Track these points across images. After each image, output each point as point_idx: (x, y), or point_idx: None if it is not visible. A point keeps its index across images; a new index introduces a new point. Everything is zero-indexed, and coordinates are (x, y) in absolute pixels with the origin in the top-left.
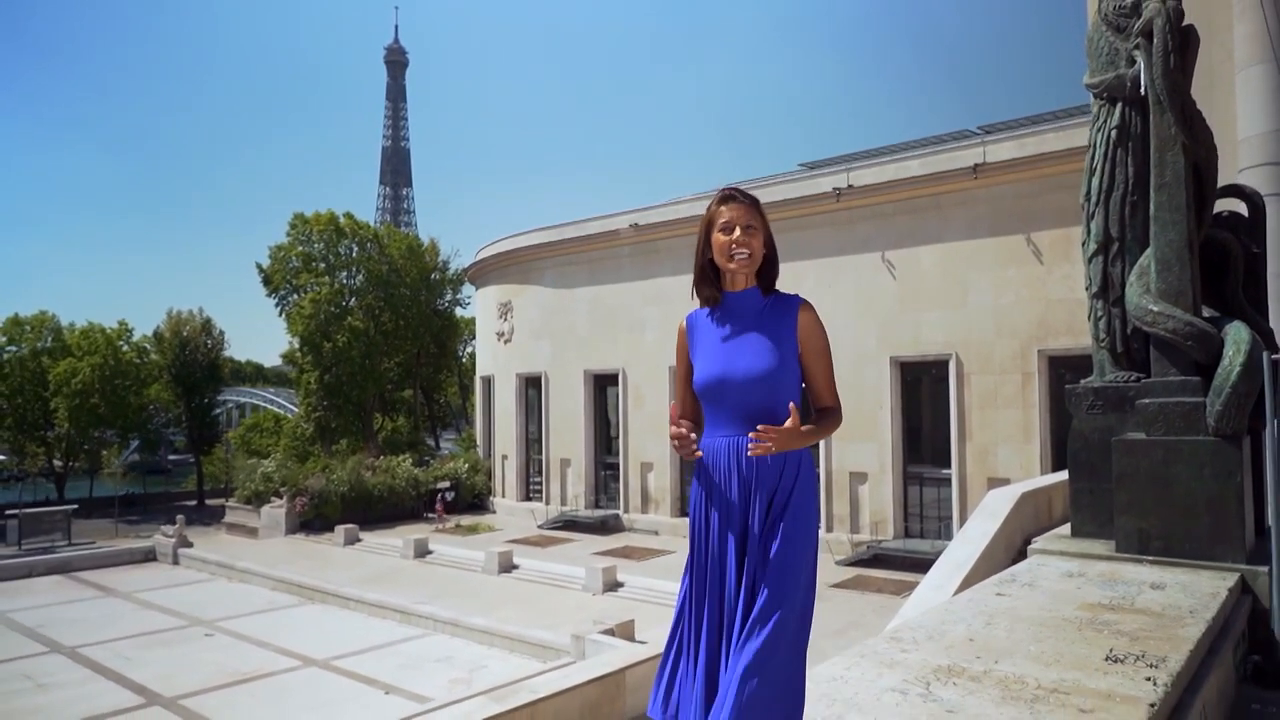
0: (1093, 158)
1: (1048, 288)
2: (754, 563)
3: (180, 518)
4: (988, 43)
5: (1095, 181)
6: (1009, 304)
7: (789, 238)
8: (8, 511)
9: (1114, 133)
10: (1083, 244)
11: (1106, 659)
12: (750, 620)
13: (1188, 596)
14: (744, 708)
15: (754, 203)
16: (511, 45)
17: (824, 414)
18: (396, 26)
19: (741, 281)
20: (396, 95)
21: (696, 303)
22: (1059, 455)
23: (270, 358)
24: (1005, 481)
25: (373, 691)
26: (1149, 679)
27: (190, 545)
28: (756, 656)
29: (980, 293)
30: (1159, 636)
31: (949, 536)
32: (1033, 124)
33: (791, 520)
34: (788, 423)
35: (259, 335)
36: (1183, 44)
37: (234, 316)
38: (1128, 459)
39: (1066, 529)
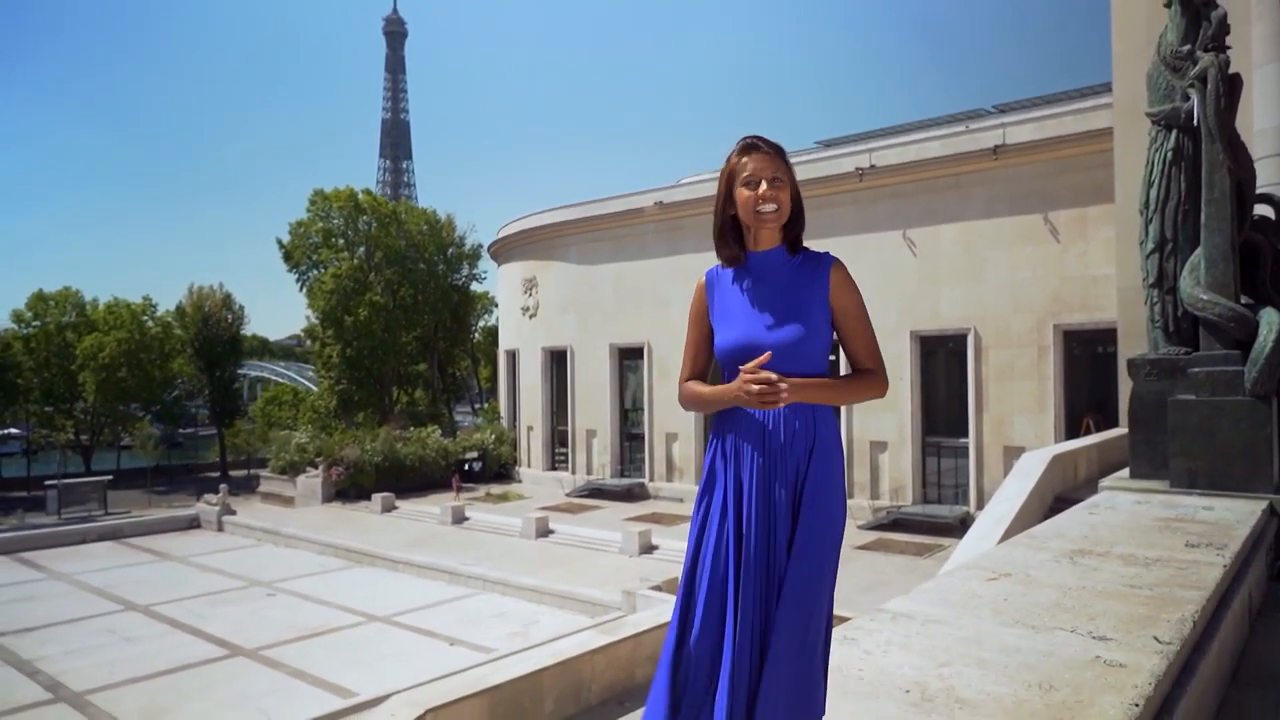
0: (1151, 173)
1: (1063, 265)
2: (784, 541)
3: (224, 486)
4: (1000, 21)
5: (1153, 193)
6: (1026, 280)
7: (811, 216)
8: (47, 482)
9: (1170, 154)
10: (1141, 243)
11: (1186, 545)
12: (786, 606)
13: (1232, 515)
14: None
15: (779, 152)
16: (515, 14)
17: (858, 374)
18: None
19: (766, 239)
20: (396, 67)
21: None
22: (1072, 424)
23: (274, 332)
24: (1021, 450)
25: (437, 643)
26: (1218, 554)
27: (234, 513)
28: (796, 636)
29: (998, 269)
30: (1218, 535)
31: (966, 502)
32: (1047, 104)
33: (828, 495)
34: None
35: (264, 310)
36: (1230, 88)
37: (236, 290)
38: (1180, 415)
39: (1117, 476)
